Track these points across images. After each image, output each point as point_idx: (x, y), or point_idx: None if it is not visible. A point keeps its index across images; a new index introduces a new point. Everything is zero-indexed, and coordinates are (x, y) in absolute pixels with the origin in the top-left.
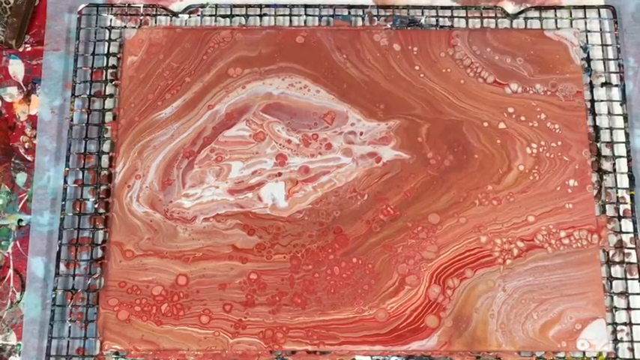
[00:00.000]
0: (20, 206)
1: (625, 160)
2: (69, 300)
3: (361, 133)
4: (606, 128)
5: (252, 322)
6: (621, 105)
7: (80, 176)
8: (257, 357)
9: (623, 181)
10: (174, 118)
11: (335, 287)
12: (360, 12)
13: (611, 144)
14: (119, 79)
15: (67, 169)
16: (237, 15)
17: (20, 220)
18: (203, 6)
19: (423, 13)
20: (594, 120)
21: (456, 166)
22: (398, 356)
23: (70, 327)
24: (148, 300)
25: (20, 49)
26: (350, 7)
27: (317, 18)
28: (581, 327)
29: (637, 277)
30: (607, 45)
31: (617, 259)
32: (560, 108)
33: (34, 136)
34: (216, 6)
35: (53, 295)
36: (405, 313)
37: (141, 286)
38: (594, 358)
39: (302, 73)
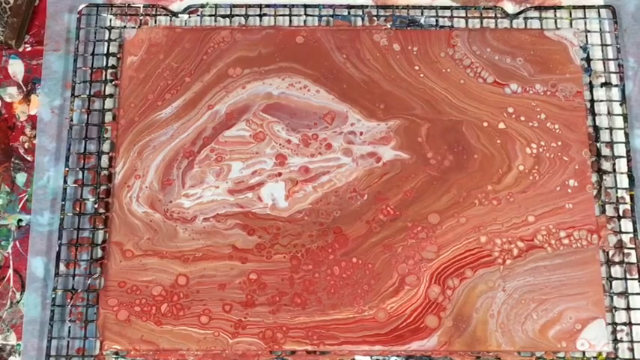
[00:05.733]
0: (20, 206)
1: (625, 160)
2: (69, 300)
3: (361, 133)
4: (606, 128)
5: (252, 322)
6: (621, 105)
7: (80, 176)
8: (257, 357)
9: (623, 181)
10: (174, 118)
11: (335, 287)
12: (360, 12)
13: (611, 144)
14: (119, 79)
15: (67, 169)
16: (237, 15)
17: (20, 220)
18: (203, 6)
19: (422, 13)
20: (594, 120)
21: (456, 166)
22: (398, 356)
23: (69, 327)
24: (148, 300)
25: (20, 49)
26: (350, 7)
27: (317, 18)
28: (581, 327)
29: (637, 277)
30: (607, 45)
31: (616, 259)
32: (560, 108)
33: (34, 136)
34: (216, 6)
35: (53, 295)
36: (405, 313)
37: (141, 286)
38: (594, 358)
39: (302, 73)
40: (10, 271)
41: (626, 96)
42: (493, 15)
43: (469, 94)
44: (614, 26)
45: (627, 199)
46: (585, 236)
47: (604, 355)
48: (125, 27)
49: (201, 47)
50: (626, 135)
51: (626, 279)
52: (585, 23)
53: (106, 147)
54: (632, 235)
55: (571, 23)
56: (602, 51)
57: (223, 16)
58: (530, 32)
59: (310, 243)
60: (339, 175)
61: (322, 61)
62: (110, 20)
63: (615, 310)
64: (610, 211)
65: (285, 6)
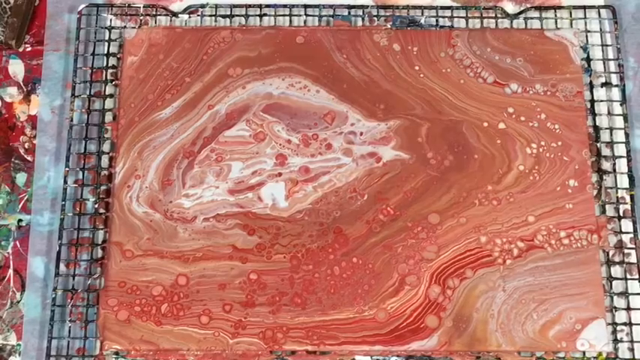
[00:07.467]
0: (20, 206)
1: (625, 160)
2: (69, 300)
3: (361, 133)
4: (606, 128)
5: (252, 322)
6: (621, 105)
7: (80, 176)
8: (257, 357)
9: (623, 181)
10: (174, 118)
11: (335, 287)
12: (360, 12)
13: (611, 144)
14: (119, 79)
15: (67, 169)
16: (237, 15)
17: (20, 220)
18: (203, 6)
19: (422, 13)
20: (594, 120)
21: (456, 166)
22: (398, 356)
23: (70, 327)
24: (148, 300)
25: (20, 49)
26: (350, 7)
27: (317, 18)
28: (581, 327)
29: (637, 277)
30: (607, 45)
31: (617, 259)
32: (560, 108)
33: (34, 136)
34: (216, 6)
35: (53, 295)
36: (405, 313)
37: (141, 286)
38: (594, 358)
39: (302, 73)
40: (10, 271)
41: (626, 96)
42: (493, 15)
43: (469, 94)
44: (614, 26)
45: (627, 199)
46: (585, 236)
47: (604, 355)
48: (125, 27)
49: (201, 47)
50: (627, 135)
51: (626, 279)
52: (585, 23)
53: (106, 147)
54: (632, 235)
55: (571, 23)
56: (603, 51)
57: (223, 16)
58: (530, 32)
59: (310, 243)
60: (339, 175)
61: (322, 61)
62: (110, 20)
63: (615, 310)
64: (610, 211)
65: (285, 6)
